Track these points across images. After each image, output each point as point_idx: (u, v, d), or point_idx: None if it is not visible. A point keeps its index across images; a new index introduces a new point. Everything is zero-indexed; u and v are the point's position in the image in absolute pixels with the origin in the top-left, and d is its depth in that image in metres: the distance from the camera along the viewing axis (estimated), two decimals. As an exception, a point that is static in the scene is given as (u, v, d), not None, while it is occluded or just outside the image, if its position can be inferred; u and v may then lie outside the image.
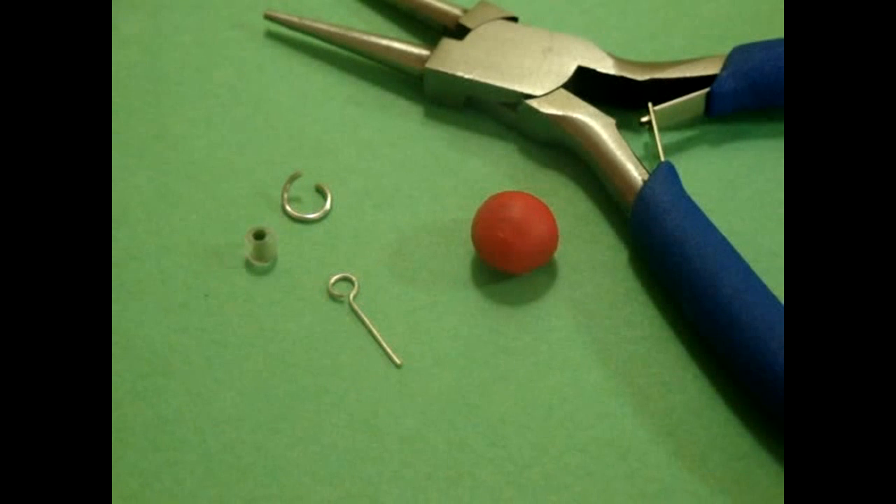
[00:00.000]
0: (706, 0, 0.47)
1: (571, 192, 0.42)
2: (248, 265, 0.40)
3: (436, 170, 0.42)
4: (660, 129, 0.42)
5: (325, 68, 0.46)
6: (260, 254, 0.39)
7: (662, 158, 0.40)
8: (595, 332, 0.38)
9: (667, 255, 0.38)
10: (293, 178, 0.41)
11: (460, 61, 0.43)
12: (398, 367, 0.37)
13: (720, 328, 0.36)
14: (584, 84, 0.43)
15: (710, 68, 0.43)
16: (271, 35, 0.46)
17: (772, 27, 0.46)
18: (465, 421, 0.36)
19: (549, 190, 0.42)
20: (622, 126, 0.41)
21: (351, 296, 0.39)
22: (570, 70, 0.43)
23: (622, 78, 0.43)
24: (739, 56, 0.43)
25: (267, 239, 0.39)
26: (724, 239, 0.38)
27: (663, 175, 0.39)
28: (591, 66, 0.43)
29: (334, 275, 0.39)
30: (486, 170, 0.42)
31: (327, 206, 0.41)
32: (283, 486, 0.35)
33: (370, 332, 0.38)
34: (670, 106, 0.42)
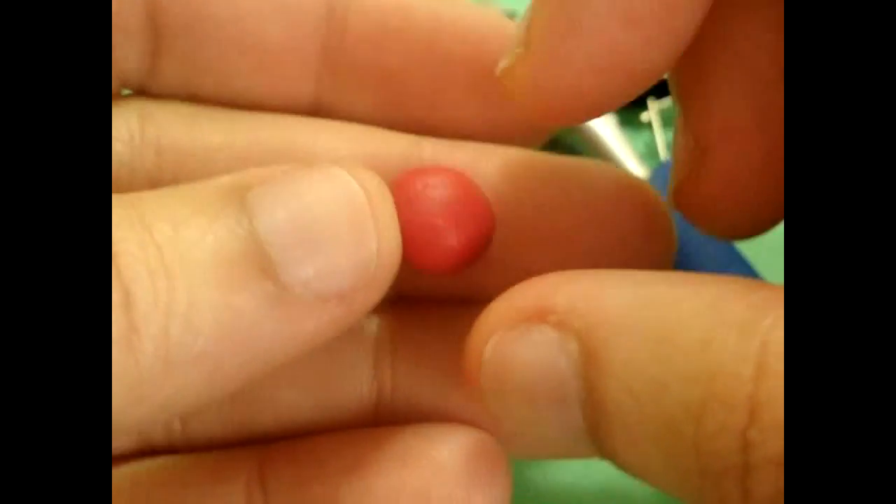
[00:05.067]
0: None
1: (572, 189, 0.42)
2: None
3: (436, 167, 0.42)
4: (661, 127, 0.42)
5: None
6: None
7: (663, 156, 0.40)
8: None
9: (668, 253, 0.38)
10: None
11: (461, 58, 0.43)
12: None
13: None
14: (585, 81, 0.43)
15: (712, 65, 0.43)
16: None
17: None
18: (465, 420, 0.36)
19: (549, 188, 0.42)
20: (623, 123, 0.41)
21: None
22: (571, 67, 0.43)
23: (623, 75, 0.43)
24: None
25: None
26: (725, 237, 0.38)
27: (664, 173, 0.39)
28: (592, 62, 0.43)
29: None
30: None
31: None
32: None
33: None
34: (672, 103, 0.42)
